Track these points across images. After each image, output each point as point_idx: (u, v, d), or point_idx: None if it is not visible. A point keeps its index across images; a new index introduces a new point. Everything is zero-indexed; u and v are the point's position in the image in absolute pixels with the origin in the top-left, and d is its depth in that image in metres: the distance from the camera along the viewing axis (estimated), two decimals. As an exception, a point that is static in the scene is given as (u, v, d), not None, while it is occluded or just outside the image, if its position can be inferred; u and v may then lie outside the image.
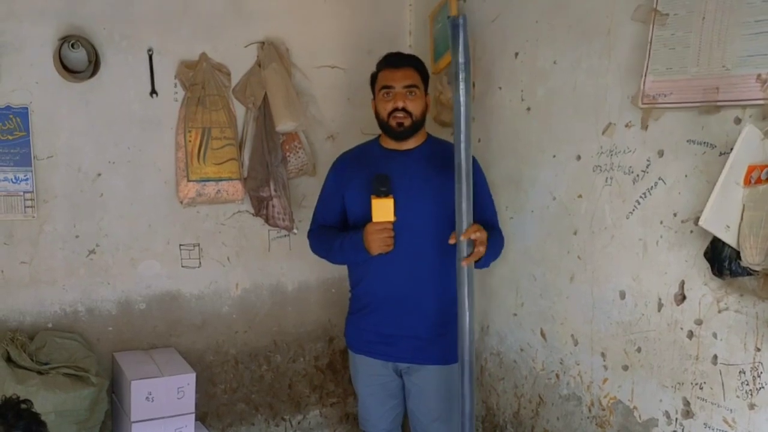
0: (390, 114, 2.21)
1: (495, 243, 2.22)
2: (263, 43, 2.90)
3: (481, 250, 2.06)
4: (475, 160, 2.21)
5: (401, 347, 2.27)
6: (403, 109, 2.20)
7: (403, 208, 2.17)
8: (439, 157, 2.25)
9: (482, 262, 2.17)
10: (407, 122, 2.21)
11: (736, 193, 1.63)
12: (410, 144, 2.27)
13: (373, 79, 2.33)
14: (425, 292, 2.25)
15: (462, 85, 1.94)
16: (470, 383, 2.08)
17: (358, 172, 2.28)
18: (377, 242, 2.16)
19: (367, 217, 2.17)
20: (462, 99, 1.94)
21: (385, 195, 2.14)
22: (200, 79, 2.80)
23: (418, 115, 2.23)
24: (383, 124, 2.26)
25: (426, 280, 2.24)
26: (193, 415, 2.50)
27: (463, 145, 1.97)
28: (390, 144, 2.29)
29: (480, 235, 2.05)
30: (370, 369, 2.35)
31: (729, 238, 1.65)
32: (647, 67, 1.96)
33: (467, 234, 2.02)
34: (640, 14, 1.98)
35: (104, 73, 2.64)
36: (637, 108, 2.05)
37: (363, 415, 2.46)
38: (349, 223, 2.33)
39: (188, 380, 2.48)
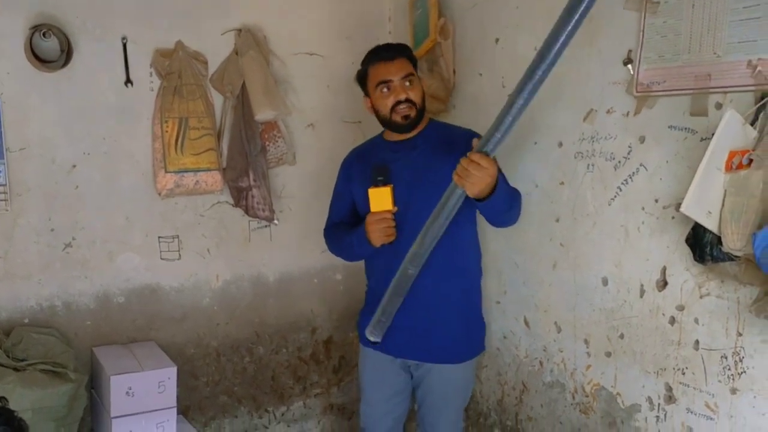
0: (393, 108, 2.14)
1: (509, 191, 2.10)
2: (240, 30, 2.85)
3: (471, 172, 1.85)
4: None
5: (409, 343, 2.22)
6: (407, 100, 2.14)
7: (406, 197, 2.13)
8: (442, 140, 2.19)
9: (492, 206, 2.01)
10: (413, 113, 2.15)
11: (717, 178, 1.63)
12: (412, 132, 2.22)
13: (362, 76, 2.24)
14: (434, 285, 2.18)
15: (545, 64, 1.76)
16: None
17: (362, 166, 2.25)
18: (377, 233, 2.12)
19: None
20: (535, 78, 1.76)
21: (383, 184, 2.11)
22: (176, 68, 2.74)
23: (420, 103, 2.17)
24: (386, 121, 2.19)
25: (435, 272, 2.16)
26: (175, 409, 2.47)
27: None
28: (392, 136, 2.24)
29: (474, 167, 1.84)
30: (378, 363, 2.30)
31: (710, 223, 1.65)
32: (640, 55, 1.95)
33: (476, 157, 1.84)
34: (632, 3, 1.96)
35: (77, 63, 2.58)
36: (620, 94, 2.04)
37: (365, 411, 2.41)
38: (361, 219, 2.28)
39: (169, 374, 2.45)
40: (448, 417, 2.30)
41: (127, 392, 2.36)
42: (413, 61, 2.21)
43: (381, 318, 2.14)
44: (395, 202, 2.13)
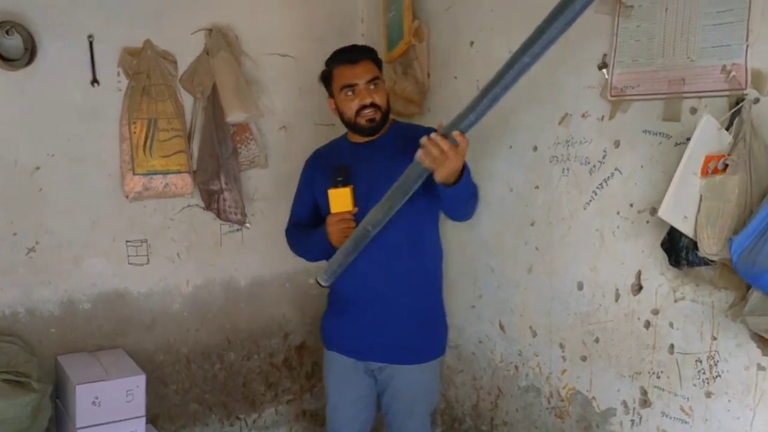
0: (357, 112, 2.12)
1: (471, 179, 2.03)
2: (211, 30, 2.79)
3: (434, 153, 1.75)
4: None
5: (373, 346, 2.19)
6: (372, 104, 2.11)
7: (366, 198, 2.10)
8: (407, 140, 2.13)
9: (459, 193, 1.93)
10: (378, 116, 2.13)
11: (693, 183, 1.63)
12: (376, 134, 2.20)
13: (326, 76, 2.21)
14: (396, 287, 2.16)
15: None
16: None
17: (325, 167, 2.22)
18: (337, 234, 2.11)
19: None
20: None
21: (343, 185, 2.09)
22: (145, 68, 2.67)
23: (385, 107, 2.16)
24: (351, 124, 2.16)
25: (396, 273, 2.15)
26: (144, 419, 2.40)
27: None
28: (356, 137, 2.22)
29: (447, 145, 1.74)
30: (341, 367, 2.27)
31: (686, 228, 1.65)
32: (614, 59, 1.95)
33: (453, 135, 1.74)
34: (604, 6, 1.96)
35: (41, 61, 2.49)
36: (594, 98, 2.04)
37: (332, 417, 2.37)
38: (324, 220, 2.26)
39: (137, 382, 2.38)
40: (415, 422, 2.27)
41: (93, 402, 2.29)
42: (378, 64, 2.20)
43: (336, 268, 2.14)
44: (356, 203, 2.11)
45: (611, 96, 1.99)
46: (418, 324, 2.20)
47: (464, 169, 1.91)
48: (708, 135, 1.60)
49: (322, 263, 2.28)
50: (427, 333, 2.22)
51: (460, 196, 1.98)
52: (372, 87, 2.12)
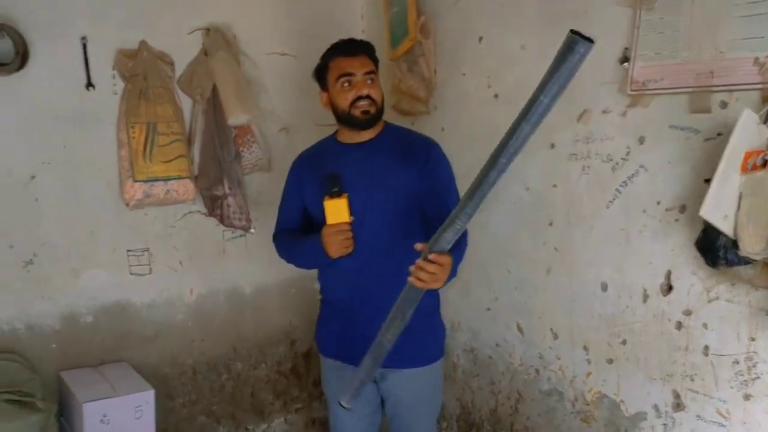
0: (352, 103, 2.05)
1: (459, 254, 2.03)
2: (208, 29, 2.69)
3: (422, 277, 1.73)
4: (437, 149, 2.11)
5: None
6: (368, 96, 2.05)
7: (362, 205, 2.04)
8: (398, 145, 2.11)
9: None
10: (373, 109, 2.06)
11: (733, 180, 1.58)
12: (367, 135, 2.12)
13: (321, 70, 2.16)
14: (394, 292, 2.10)
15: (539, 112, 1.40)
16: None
17: (315, 170, 2.14)
18: (335, 245, 2.03)
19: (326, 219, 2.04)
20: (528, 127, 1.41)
21: (338, 195, 2.01)
22: (141, 70, 2.56)
23: (380, 103, 2.09)
24: (345, 116, 2.08)
25: (393, 279, 2.07)
26: (153, 436, 2.31)
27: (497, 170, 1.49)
28: (347, 137, 2.14)
29: (437, 271, 1.71)
30: (341, 375, 2.21)
31: (726, 227, 1.60)
32: (635, 52, 1.89)
33: (438, 259, 1.69)
34: (625, -1, 1.90)
35: (34, 65, 2.38)
36: (616, 93, 1.98)
37: (335, 425, 2.31)
38: (314, 225, 2.18)
39: (147, 398, 2.28)
40: (421, 428, 2.21)
41: (101, 420, 2.19)
42: (375, 61, 2.14)
43: (358, 387, 2.03)
44: (351, 212, 2.03)
45: (631, 90, 1.94)
46: (417, 326, 2.13)
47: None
48: (748, 130, 1.55)
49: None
50: (427, 335, 2.17)
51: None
52: (369, 81, 2.06)
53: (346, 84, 2.05)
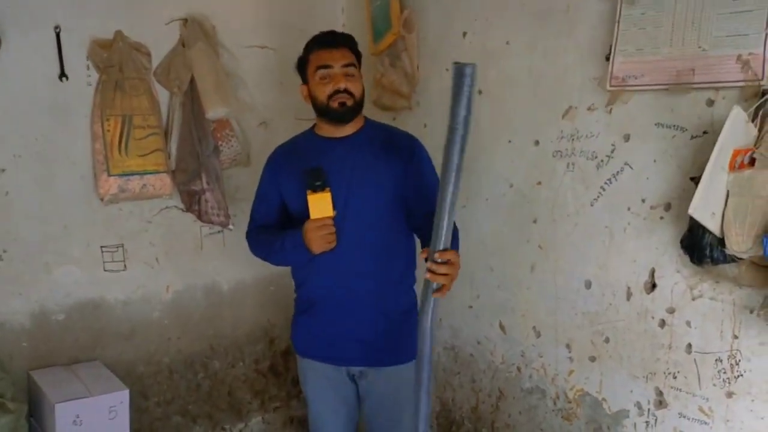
0: (330, 96, 2.02)
1: (457, 242, 2.01)
2: (186, 20, 2.63)
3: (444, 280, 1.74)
4: (420, 146, 2.09)
5: (352, 350, 2.11)
6: (345, 90, 2.02)
7: (344, 200, 2.01)
8: (379, 141, 2.09)
9: None
10: (350, 102, 2.03)
11: (721, 178, 1.57)
12: (348, 130, 2.09)
13: (302, 62, 2.12)
14: (374, 288, 2.09)
15: (458, 143, 1.57)
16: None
17: (295, 166, 2.09)
18: (317, 240, 1.98)
19: (308, 214, 1.99)
20: (455, 159, 1.58)
21: (321, 189, 1.97)
22: (116, 60, 2.50)
23: (358, 97, 2.06)
24: (323, 109, 2.05)
25: (374, 275, 2.08)
26: (128, 437, 2.25)
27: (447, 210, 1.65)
28: (326, 131, 2.11)
29: (451, 270, 1.73)
30: (320, 374, 2.18)
31: (713, 225, 1.59)
32: (615, 47, 1.88)
33: (444, 256, 1.71)
34: (605, -7, 1.89)
35: (4, 55, 2.30)
36: (601, 90, 1.97)
37: (314, 424, 2.28)
38: (292, 220, 2.13)
39: (121, 398, 2.23)
40: (402, 425, 2.19)
41: (74, 421, 2.13)
42: (357, 55, 2.11)
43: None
44: (333, 206, 2.00)
45: (611, 86, 1.92)
46: (395, 323, 2.12)
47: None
48: (737, 128, 1.54)
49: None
50: (406, 333, 2.15)
51: None
52: (347, 74, 2.03)
53: (324, 77, 2.02)
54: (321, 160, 2.03)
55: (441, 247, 1.69)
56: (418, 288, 2.18)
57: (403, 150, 2.05)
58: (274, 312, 2.96)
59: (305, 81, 2.11)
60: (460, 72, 1.50)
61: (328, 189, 1.98)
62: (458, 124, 1.56)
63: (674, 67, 1.77)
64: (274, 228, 2.16)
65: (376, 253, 2.07)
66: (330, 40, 2.07)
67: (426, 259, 1.73)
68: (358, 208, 2.03)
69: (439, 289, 1.74)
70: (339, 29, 3.06)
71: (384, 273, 2.10)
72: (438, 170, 1.71)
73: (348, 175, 2.04)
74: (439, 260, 1.69)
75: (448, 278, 1.73)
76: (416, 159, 2.06)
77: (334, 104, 2.02)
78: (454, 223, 2.10)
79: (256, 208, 2.23)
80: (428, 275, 1.73)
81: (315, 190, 1.97)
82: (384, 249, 2.09)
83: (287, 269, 2.87)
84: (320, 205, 1.98)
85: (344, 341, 2.11)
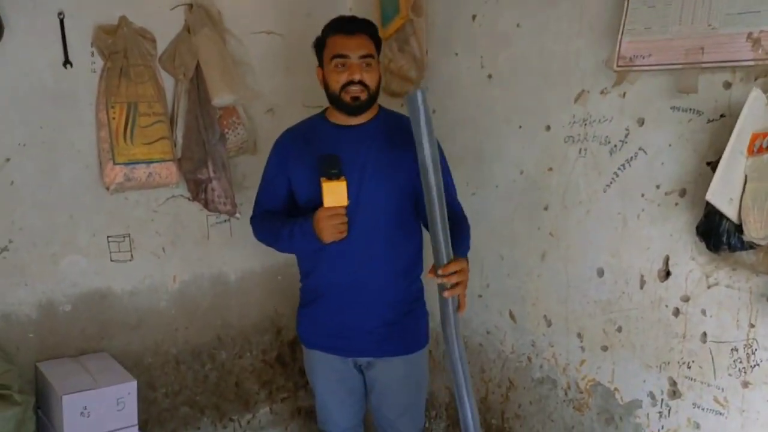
0: (343, 87, 1.96)
1: (465, 243, 2.05)
2: (191, 5, 2.59)
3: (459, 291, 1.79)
4: None
5: (360, 340, 2.08)
6: (360, 82, 1.95)
7: (356, 189, 1.96)
8: (394, 130, 2.03)
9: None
10: (364, 96, 1.97)
11: (739, 163, 1.53)
12: (361, 118, 2.04)
13: (320, 44, 2.04)
14: (383, 279, 2.06)
15: (432, 176, 1.69)
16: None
17: (305, 151, 2.04)
18: (329, 229, 1.93)
19: (318, 201, 1.93)
20: (433, 182, 1.69)
21: (336, 177, 1.91)
22: (121, 47, 2.46)
23: (374, 88, 2.00)
24: (335, 98, 2.00)
25: (383, 266, 2.05)
26: (136, 427, 2.24)
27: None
28: (339, 119, 2.06)
29: (462, 277, 1.78)
30: (327, 365, 2.15)
31: (731, 211, 1.55)
32: (623, 26, 1.82)
33: (447, 270, 1.75)
34: (616, -29, 1.83)
35: (8, 42, 2.27)
36: (612, 72, 1.92)
37: (322, 414, 2.27)
38: (299, 207, 2.09)
39: (129, 389, 2.21)
40: (409, 415, 2.17)
41: (81, 413, 2.11)
42: (377, 43, 2.03)
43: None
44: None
45: (618, 66, 1.86)
46: (402, 313, 2.09)
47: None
48: (756, 110, 1.49)
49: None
50: (412, 323, 2.13)
51: None
52: (364, 65, 1.96)
53: (339, 66, 1.96)
54: (332, 147, 1.99)
55: (445, 261, 1.73)
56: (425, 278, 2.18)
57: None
58: (281, 302, 2.93)
59: (321, 64, 2.04)
60: (412, 99, 1.65)
61: (343, 178, 1.92)
62: (425, 152, 1.68)
63: (682, 46, 1.71)
64: (281, 214, 2.12)
65: (386, 245, 2.03)
66: (349, 27, 1.98)
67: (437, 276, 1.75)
68: (369, 198, 1.99)
69: (458, 305, 1.80)
70: (347, 13, 3.04)
71: (393, 264, 2.07)
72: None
73: (360, 164, 1.99)
74: (447, 273, 1.73)
75: (461, 287, 1.77)
76: None
77: (347, 97, 1.96)
78: (465, 219, 2.09)
79: (262, 194, 2.19)
80: (445, 293, 1.76)
81: (330, 178, 1.91)
82: (394, 240, 2.05)
83: (294, 258, 2.86)
84: (334, 193, 1.91)
85: (352, 332, 2.08)
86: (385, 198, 2.01)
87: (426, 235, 2.14)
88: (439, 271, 1.73)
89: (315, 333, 2.15)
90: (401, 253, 2.08)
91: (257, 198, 2.20)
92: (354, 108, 1.99)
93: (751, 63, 1.57)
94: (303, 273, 2.18)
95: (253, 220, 2.19)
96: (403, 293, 2.10)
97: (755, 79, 1.57)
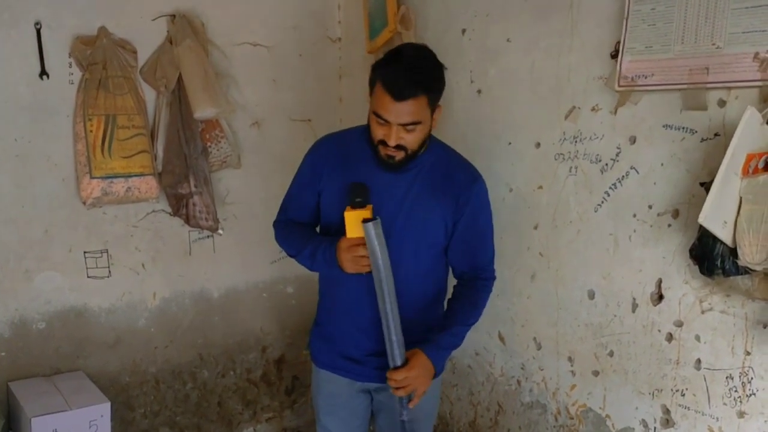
0: (381, 141, 1.81)
1: (454, 339, 1.98)
2: (174, 16, 2.54)
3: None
4: (479, 190, 1.92)
5: (373, 367, 1.98)
6: (397, 146, 1.80)
7: (387, 227, 1.80)
8: (438, 172, 1.91)
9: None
10: (399, 156, 1.81)
11: (734, 184, 1.47)
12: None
13: (371, 81, 1.82)
14: (403, 312, 1.86)
15: (385, 286, 1.77)
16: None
17: (341, 171, 1.90)
18: (350, 261, 1.82)
19: (342, 228, 1.81)
20: (386, 291, 1.78)
21: (361, 206, 1.78)
22: (100, 58, 2.40)
23: (415, 148, 1.83)
24: (372, 145, 1.85)
25: (405, 301, 1.88)
26: (109, 451, 2.16)
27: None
28: None
29: (408, 385, 1.83)
30: (333, 387, 2.06)
31: (725, 234, 1.49)
32: (624, 45, 1.77)
33: (392, 377, 1.82)
34: (615, -13, 1.78)
35: (-18, 52, 2.21)
36: (607, 90, 1.87)
37: None
38: (322, 225, 1.99)
39: (102, 411, 2.13)
40: None
41: (51, 437, 2.03)
42: (432, 98, 1.82)
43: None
44: None
45: (619, 86, 1.82)
46: (416, 343, 1.99)
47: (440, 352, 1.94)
48: (750, 130, 1.44)
49: (302, 271, 2.13)
50: (425, 350, 2.03)
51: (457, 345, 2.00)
52: (407, 130, 1.78)
53: (380, 121, 1.78)
54: (368, 176, 1.85)
55: (396, 364, 1.81)
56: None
57: (459, 188, 1.88)
58: (267, 320, 2.86)
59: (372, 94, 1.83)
60: (365, 228, 1.72)
61: (369, 207, 1.78)
62: (380, 270, 1.75)
63: (686, 66, 1.66)
64: (306, 226, 2.01)
65: (409, 283, 1.90)
66: (399, 93, 1.72)
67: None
68: (400, 237, 1.87)
69: (410, 399, 1.85)
70: (335, 26, 2.99)
71: (415, 301, 1.95)
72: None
73: (396, 202, 1.87)
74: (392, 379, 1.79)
75: (405, 390, 1.82)
76: (472, 203, 1.89)
77: (382, 153, 1.82)
78: (484, 289, 2.00)
79: (290, 200, 2.04)
80: (392, 391, 1.83)
81: (354, 207, 1.78)
82: (417, 279, 1.93)
83: (281, 276, 2.79)
84: (358, 224, 1.77)
85: (364, 359, 1.99)
86: (414, 239, 1.90)
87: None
88: (387, 373, 1.81)
89: (325, 353, 2.06)
90: (423, 291, 1.98)
91: (284, 203, 2.06)
92: (388, 165, 1.85)
93: (759, 84, 1.52)
94: (320, 289, 2.08)
95: (277, 225, 2.07)
96: (419, 326, 1.97)
97: (761, 101, 1.51)
